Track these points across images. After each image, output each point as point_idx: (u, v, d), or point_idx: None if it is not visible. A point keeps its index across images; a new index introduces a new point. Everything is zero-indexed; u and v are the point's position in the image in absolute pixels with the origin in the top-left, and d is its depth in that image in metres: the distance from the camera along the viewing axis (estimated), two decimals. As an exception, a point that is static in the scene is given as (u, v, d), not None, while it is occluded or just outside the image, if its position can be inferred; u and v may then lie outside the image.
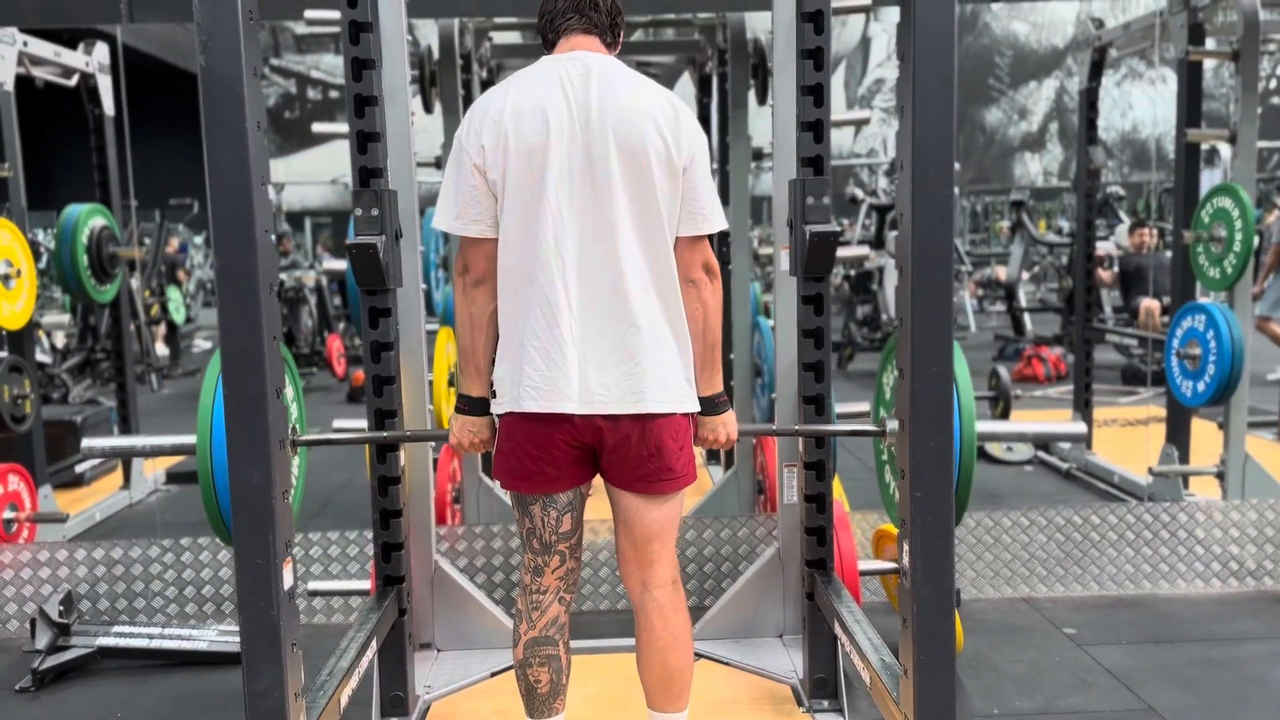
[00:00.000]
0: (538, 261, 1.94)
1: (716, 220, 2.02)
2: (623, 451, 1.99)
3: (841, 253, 2.81)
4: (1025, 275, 11.25)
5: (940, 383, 1.64)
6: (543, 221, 1.93)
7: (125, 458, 2.98)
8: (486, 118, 1.95)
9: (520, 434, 2.00)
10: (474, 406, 2.12)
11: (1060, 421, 2.98)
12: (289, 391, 2.39)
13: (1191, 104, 4.35)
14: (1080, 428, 2.60)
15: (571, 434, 1.98)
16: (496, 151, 1.93)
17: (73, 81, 4.85)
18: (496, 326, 2.05)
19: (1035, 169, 20.74)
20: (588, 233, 1.95)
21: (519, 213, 1.95)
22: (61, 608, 3.16)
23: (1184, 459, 4.43)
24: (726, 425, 2.13)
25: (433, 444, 3.24)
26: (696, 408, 2.06)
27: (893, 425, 1.89)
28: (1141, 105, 20.06)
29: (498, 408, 2.05)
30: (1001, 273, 10.43)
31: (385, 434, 2.52)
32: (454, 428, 2.15)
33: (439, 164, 4.22)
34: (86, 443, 2.47)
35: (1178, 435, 4.44)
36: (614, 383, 1.96)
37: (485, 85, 5.03)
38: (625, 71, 2.00)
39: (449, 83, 4.13)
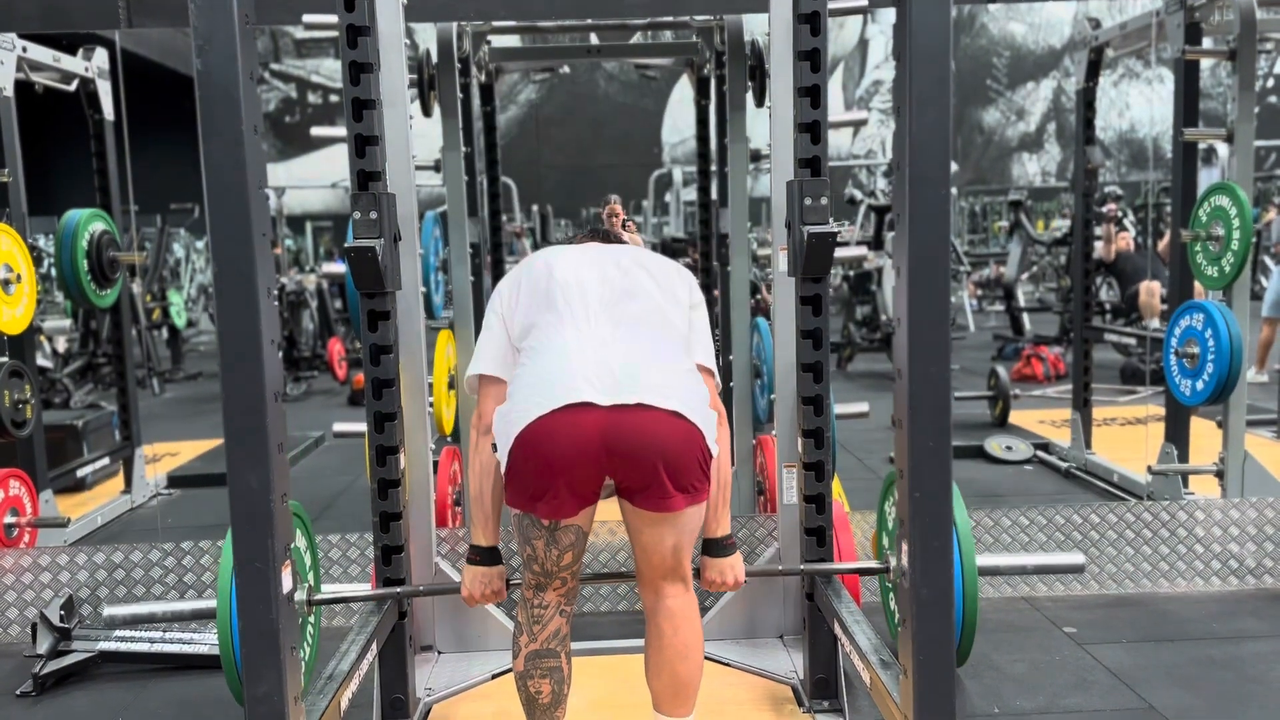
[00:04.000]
0: (546, 314, 2.07)
1: (711, 359, 2.16)
2: (640, 457, 1.91)
3: (839, 253, 2.82)
4: (1024, 275, 11.26)
5: (938, 383, 1.65)
6: (553, 293, 2.08)
7: (145, 623, 3.05)
8: (509, 277, 2.22)
9: (534, 444, 1.91)
10: (485, 557, 2.14)
11: (1058, 554, 3.13)
12: (302, 543, 2.39)
13: (1189, 103, 4.35)
14: (1078, 559, 2.73)
15: (586, 436, 1.89)
16: (513, 292, 2.16)
17: (72, 87, 4.86)
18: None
19: (1033, 169, 20.74)
20: (603, 282, 2.09)
21: (527, 318, 2.10)
22: (62, 612, 3.16)
23: (1183, 457, 4.43)
24: (734, 568, 2.16)
25: (432, 445, 3.24)
26: (715, 446, 2.02)
27: (895, 563, 1.91)
28: (1139, 105, 20.07)
29: (502, 451, 1.98)
30: (1001, 272, 10.44)
31: (398, 590, 2.57)
32: (465, 580, 2.17)
33: (437, 168, 4.22)
34: (108, 611, 2.54)
35: (1177, 434, 4.44)
36: (633, 372, 1.94)
37: (484, 89, 5.04)
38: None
39: (448, 86, 4.13)
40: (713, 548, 2.14)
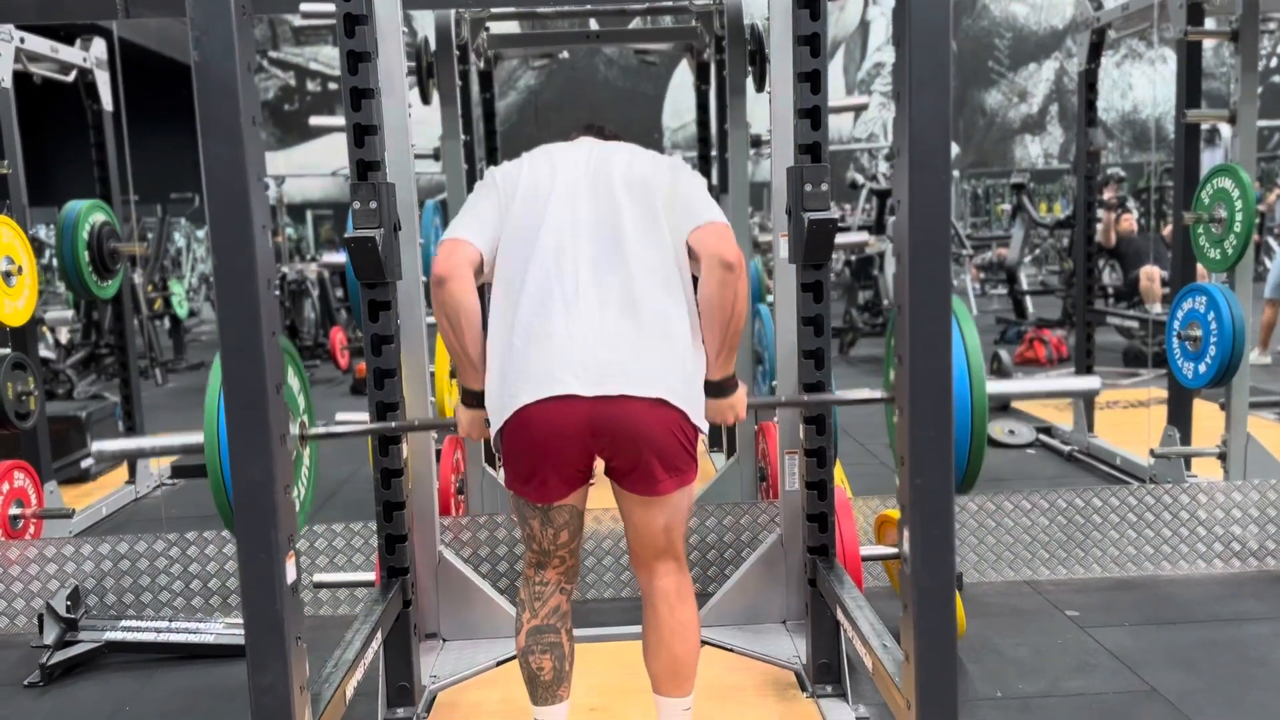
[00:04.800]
0: (534, 264, 2.01)
1: (718, 214, 2.07)
2: (625, 444, 1.96)
3: (841, 239, 2.81)
4: (1026, 258, 11.24)
5: (938, 372, 1.64)
6: (544, 230, 2.03)
7: (134, 459, 2.99)
8: (504, 168, 2.18)
9: (521, 431, 1.97)
10: (478, 399, 2.13)
11: (1074, 378, 2.83)
12: (294, 383, 2.40)
13: (1191, 84, 4.32)
14: (1094, 383, 2.51)
15: (571, 425, 1.93)
16: (511, 177, 2.12)
17: (70, 77, 4.85)
18: (474, 320, 2.05)
19: (1036, 151, 20.67)
20: (594, 238, 2.03)
21: (518, 230, 2.05)
22: (68, 603, 3.18)
23: (1185, 440, 4.43)
24: (734, 407, 2.14)
25: (435, 435, 3.25)
26: (704, 423, 2.04)
27: (900, 396, 1.89)
28: (1141, 86, 19.98)
29: (495, 426, 2.02)
30: (1003, 255, 10.42)
31: (393, 424, 2.54)
32: (461, 421, 2.20)
33: (437, 156, 4.22)
34: (96, 446, 2.48)
35: (1179, 417, 4.44)
36: (617, 362, 1.94)
37: (483, 76, 5.03)
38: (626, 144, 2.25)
39: (446, 74, 4.12)
40: (713, 389, 2.10)
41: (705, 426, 2.05)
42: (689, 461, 2.03)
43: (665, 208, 2.05)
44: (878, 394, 2.36)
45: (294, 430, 2.16)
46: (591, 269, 2.01)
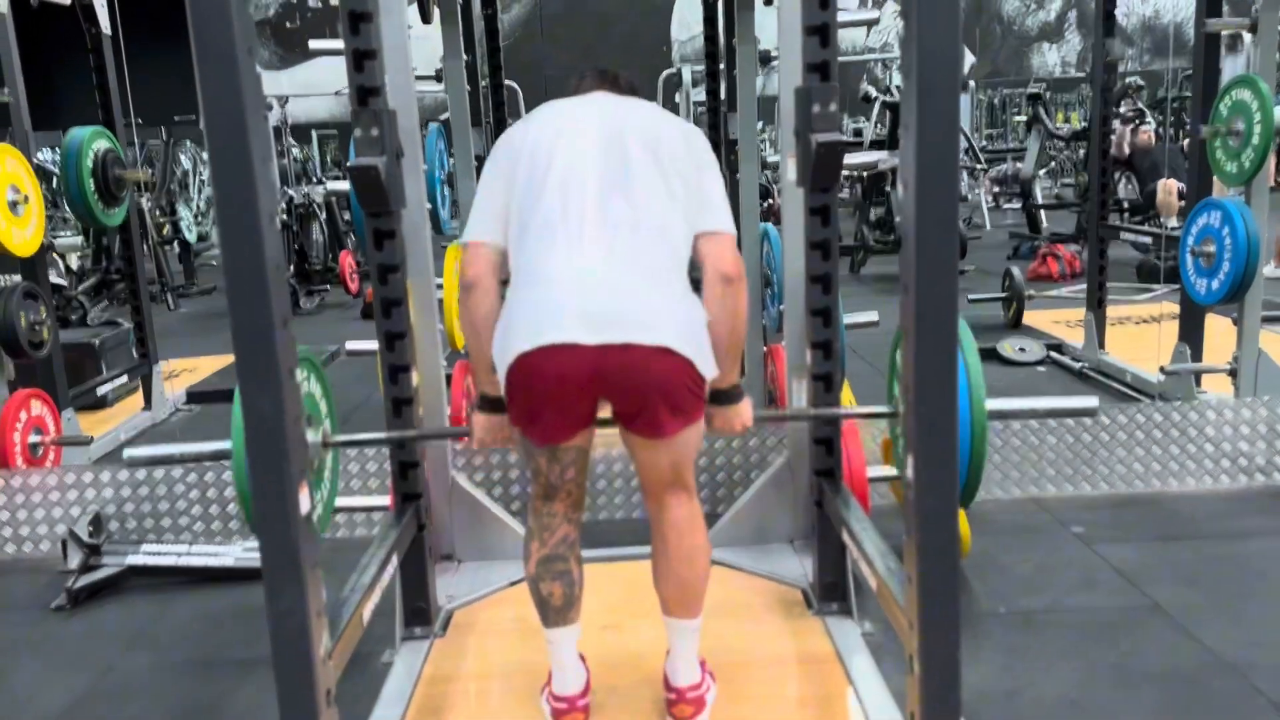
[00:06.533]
0: (540, 208, 2.01)
1: (727, 222, 2.09)
2: (631, 392, 1.94)
3: (852, 159, 2.77)
4: (1041, 171, 11.08)
5: (943, 298, 1.63)
6: (551, 174, 2.02)
7: (164, 465, 3.08)
8: (507, 138, 2.16)
9: (524, 375, 1.94)
10: (494, 405, 2.16)
11: (1072, 397, 2.83)
12: (316, 390, 2.41)
13: (1212, -10, 4.20)
14: (1091, 401, 2.53)
15: (575, 373, 1.91)
16: (511, 165, 2.08)
17: (68, 0, 4.77)
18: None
19: (1053, 60, 20.19)
20: (601, 184, 2.01)
21: (526, 188, 2.04)
22: (91, 528, 3.25)
23: (1197, 357, 4.41)
24: (740, 415, 2.16)
25: (444, 360, 3.27)
26: (711, 370, 2.01)
27: (903, 410, 1.91)
28: (1165, -11, 19.41)
29: (501, 371, 2.00)
30: (1018, 168, 10.27)
31: (409, 432, 2.61)
32: (476, 428, 2.21)
33: (438, 77, 4.15)
34: (128, 452, 2.55)
35: (1191, 333, 4.42)
36: (622, 309, 1.92)
37: (485, -9, 4.92)
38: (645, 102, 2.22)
39: (447, -9, 4.04)
40: (720, 397, 2.12)
41: (712, 373, 2.01)
42: (696, 403, 2.00)
43: (682, 180, 2.05)
44: (882, 408, 2.40)
45: (316, 438, 2.17)
46: (598, 212, 1.98)
